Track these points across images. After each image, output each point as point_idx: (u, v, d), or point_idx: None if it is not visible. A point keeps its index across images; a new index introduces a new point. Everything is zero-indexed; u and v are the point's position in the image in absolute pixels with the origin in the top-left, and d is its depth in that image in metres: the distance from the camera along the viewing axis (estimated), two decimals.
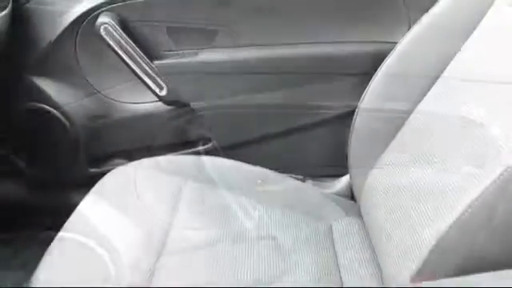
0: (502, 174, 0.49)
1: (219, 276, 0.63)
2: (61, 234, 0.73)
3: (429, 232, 0.54)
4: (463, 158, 0.59)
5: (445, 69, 0.76)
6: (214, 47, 1.03)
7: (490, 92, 0.63)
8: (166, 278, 0.62)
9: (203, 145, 1.11)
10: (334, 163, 0.99)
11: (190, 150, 1.09)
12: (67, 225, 0.75)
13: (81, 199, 0.83)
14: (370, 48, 0.96)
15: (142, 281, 0.62)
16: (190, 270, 0.64)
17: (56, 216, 0.82)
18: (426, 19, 0.81)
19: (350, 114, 0.86)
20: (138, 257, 0.66)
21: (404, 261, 0.57)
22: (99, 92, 1.08)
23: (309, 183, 1.03)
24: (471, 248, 0.51)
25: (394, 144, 0.79)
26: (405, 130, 0.78)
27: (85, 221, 0.76)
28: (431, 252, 0.52)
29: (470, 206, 0.50)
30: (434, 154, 0.66)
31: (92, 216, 0.77)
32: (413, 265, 0.54)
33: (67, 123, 1.07)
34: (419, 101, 0.78)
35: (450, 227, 0.51)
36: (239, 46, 1.02)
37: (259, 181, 0.91)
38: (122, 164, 0.95)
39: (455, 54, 0.76)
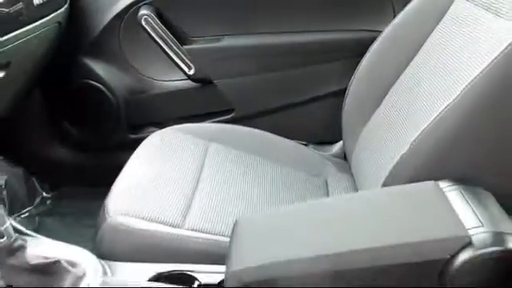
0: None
1: (236, 200, 0.83)
2: (117, 183, 0.89)
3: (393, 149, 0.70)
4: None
5: (419, 49, 0.91)
6: (232, 35, 1.22)
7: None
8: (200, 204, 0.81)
9: (224, 115, 1.27)
10: (331, 131, 1.15)
11: (213, 120, 1.26)
12: (121, 176, 0.93)
13: (121, 159, 0.99)
14: (359, 36, 1.14)
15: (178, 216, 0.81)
16: (215, 200, 0.84)
17: (103, 173, 1.01)
18: (406, 11, 0.97)
19: (343, 91, 1.04)
20: (177, 196, 0.85)
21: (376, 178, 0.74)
22: (138, 71, 1.27)
23: (310, 147, 1.19)
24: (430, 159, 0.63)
25: (376, 113, 0.96)
26: (386, 101, 0.96)
27: (134, 173, 0.94)
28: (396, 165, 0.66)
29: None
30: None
31: (139, 169, 0.96)
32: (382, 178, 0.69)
33: (112, 97, 1.26)
34: (398, 76, 0.93)
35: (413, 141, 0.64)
36: (251, 34, 1.22)
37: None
38: (156, 131, 1.11)
39: (428, 36, 0.91)
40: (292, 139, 1.13)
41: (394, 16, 1.06)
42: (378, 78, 0.97)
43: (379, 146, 0.84)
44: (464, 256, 0.47)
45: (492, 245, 0.47)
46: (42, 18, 0.98)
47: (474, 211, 0.51)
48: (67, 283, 0.60)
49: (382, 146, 0.82)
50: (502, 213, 0.53)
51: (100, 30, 1.21)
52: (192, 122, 1.18)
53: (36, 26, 0.95)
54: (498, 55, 0.59)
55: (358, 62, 1.02)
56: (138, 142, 1.05)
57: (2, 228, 0.57)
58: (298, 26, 1.20)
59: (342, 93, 1.06)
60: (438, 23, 0.90)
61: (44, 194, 1.31)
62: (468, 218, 0.50)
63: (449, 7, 0.88)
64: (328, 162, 1.08)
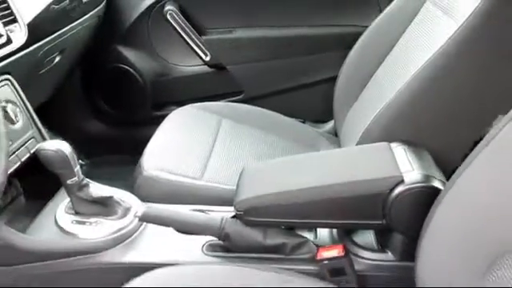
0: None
1: (243, 160, 1.01)
2: (148, 147, 1.07)
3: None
4: None
5: (396, 43, 1.06)
6: (242, 27, 1.41)
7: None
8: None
9: (235, 96, 1.45)
10: (325, 111, 1.29)
11: (225, 100, 1.43)
12: (151, 142, 1.10)
13: (146, 133, 1.13)
14: (349, 30, 1.31)
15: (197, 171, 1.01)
16: (226, 160, 1.03)
17: (130, 144, 1.19)
18: (388, 9, 1.12)
19: (335, 78, 1.19)
20: (197, 157, 1.04)
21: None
22: (162, 57, 1.46)
23: (307, 124, 1.36)
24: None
25: (361, 96, 1.14)
26: (368, 86, 1.14)
27: (162, 140, 1.13)
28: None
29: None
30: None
31: (166, 137, 1.14)
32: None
33: (140, 79, 1.45)
34: (379, 65, 1.08)
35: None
36: (258, 27, 1.39)
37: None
38: (176, 108, 1.25)
39: (403, 32, 1.06)
40: (292, 117, 1.29)
41: (380, 12, 1.19)
42: (363, 67, 1.12)
43: (358, 120, 1.04)
44: (398, 190, 0.67)
45: (418, 182, 0.68)
46: (88, 12, 1.18)
47: (409, 161, 0.71)
48: (119, 211, 0.82)
49: (360, 119, 1.02)
50: (431, 163, 0.73)
51: (131, 22, 1.41)
52: (207, 101, 1.32)
53: (84, 19, 1.15)
54: (439, 48, 0.78)
55: (347, 53, 1.17)
56: (160, 118, 1.21)
57: (75, 169, 0.78)
58: (298, 20, 1.38)
59: (334, 79, 1.20)
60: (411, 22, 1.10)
61: (80, 161, 1.51)
62: (403, 165, 0.70)
63: (420, 9, 1.08)
64: (321, 136, 1.25)
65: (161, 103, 1.49)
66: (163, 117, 1.22)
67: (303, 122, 1.37)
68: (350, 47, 1.17)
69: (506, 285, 0.46)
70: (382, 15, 1.15)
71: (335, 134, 1.26)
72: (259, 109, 1.28)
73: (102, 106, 1.52)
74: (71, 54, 1.18)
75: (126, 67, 1.44)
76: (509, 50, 0.73)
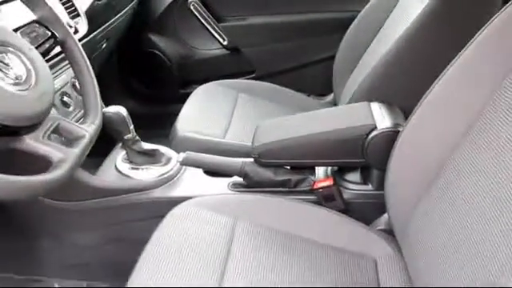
0: None
1: (256, 121, 1.26)
2: (180, 115, 1.29)
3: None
4: None
5: (384, 23, 1.27)
6: (255, 15, 1.63)
7: None
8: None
9: (249, 74, 1.67)
10: (325, 85, 1.49)
11: (240, 78, 1.64)
12: (183, 111, 1.32)
13: (173, 108, 1.33)
14: (345, 15, 1.51)
15: (220, 133, 1.25)
16: (244, 123, 1.26)
17: (159, 119, 1.42)
18: None
19: (333, 56, 1.40)
20: (219, 120, 1.28)
21: None
22: (187, 43, 1.69)
23: (311, 97, 1.59)
24: None
25: (354, 70, 1.36)
26: (360, 61, 1.35)
27: (189, 112, 1.35)
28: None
29: None
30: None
31: (193, 107, 1.37)
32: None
33: (168, 62, 1.68)
34: (370, 43, 1.28)
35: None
36: (268, 15, 1.60)
37: None
38: (198, 86, 1.45)
39: (390, 14, 1.28)
40: (297, 91, 1.49)
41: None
42: (356, 46, 1.32)
43: (349, 90, 1.26)
44: (372, 134, 0.90)
45: (388, 128, 0.90)
46: (127, 5, 1.42)
47: (382, 114, 0.94)
48: (163, 160, 1.07)
49: (351, 89, 1.24)
50: (400, 115, 0.95)
51: (160, 12, 1.64)
52: (225, 79, 1.51)
53: (125, 11, 1.39)
54: (410, 25, 0.98)
55: (343, 35, 1.37)
56: (185, 95, 1.40)
57: (130, 127, 1.03)
58: (302, 7, 1.59)
59: (332, 58, 1.41)
60: (395, 7, 1.31)
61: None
62: (378, 116, 0.93)
63: None
64: (323, 107, 1.43)
65: (186, 82, 1.72)
66: (188, 94, 1.42)
67: (308, 96, 1.57)
68: (345, 30, 1.37)
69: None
70: (371, 2, 1.34)
71: (335, 105, 1.45)
72: (270, 84, 1.49)
73: (136, 85, 1.75)
74: (113, 41, 1.42)
75: (156, 52, 1.66)
76: (457, 28, 0.94)
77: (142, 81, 1.75)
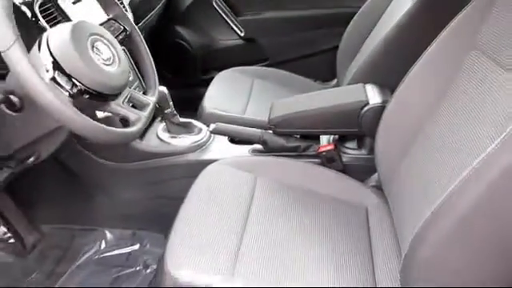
0: None
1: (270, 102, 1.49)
2: (206, 96, 1.53)
3: None
4: None
5: (381, 16, 1.48)
6: (269, 10, 1.83)
7: None
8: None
9: (263, 62, 1.87)
10: (330, 72, 1.70)
11: (255, 65, 1.83)
12: (208, 92, 1.56)
13: (196, 92, 1.54)
14: (347, 10, 1.69)
15: (240, 110, 1.48)
16: (259, 105, 1.49)
17: (184, 102, 1.64)
18: None
19: (337, 47, 1.58)
20: (237, 101, 1.52)
21: None
22: (209, 34, 1.89)
23: (317, 82, 1.78)
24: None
25: (355, 58, 1.58)
26: (361, 50, 1.56)
27: (213, 94, 1.57)
28: None
29: None
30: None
31: (216, 90, 1.58)
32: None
33: (192, 51, 1.89)
34: (369, 33, 1.47)
35: None
36: (281, 10, 1.80)
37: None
38: (218, 73, 1.65)
39: (386, 9, 1.50)
40: (306, 77, 1.70)
41: None
42: (357, 37, 1.49)
43: (349, 75, 1.48)
44: (365, 108, 1.13)
45: (378, 103, 1.13)
46: (161, 1, 1.65)
47: (374, 93, 1.17)
48: (196, 130, 1.31)
49: (352, 72, 1.45)
50: (389, 94, 1.18)
51: (185, 7, 1.84)
52: (242, 66, 1.69)
53: (158, 6, 1.62)
54: (401, 16, 1.18)
55: (346, 27, 1.55)
56: (207, 80, 1.60)
57: (170, 103, 1.26)
58: (310, 4, 1.79)
59: (336, 48, 1.58)
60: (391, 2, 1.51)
61: None
62: (370, 95, 1.16)
63: None
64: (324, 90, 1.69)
65: (207, 69, 1.92)
66: (208, 79, 1.61)
67: (314, 81, 1.77)
68: (348, 23, 1.55)
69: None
70: None
71: None
72: (281, 71, 1.69)
73: (164, 72, 1.91)
74: (145, 33, 1.65)
75: (182, 42, 1.87)
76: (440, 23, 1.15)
77: (169, 68, 1.94)
